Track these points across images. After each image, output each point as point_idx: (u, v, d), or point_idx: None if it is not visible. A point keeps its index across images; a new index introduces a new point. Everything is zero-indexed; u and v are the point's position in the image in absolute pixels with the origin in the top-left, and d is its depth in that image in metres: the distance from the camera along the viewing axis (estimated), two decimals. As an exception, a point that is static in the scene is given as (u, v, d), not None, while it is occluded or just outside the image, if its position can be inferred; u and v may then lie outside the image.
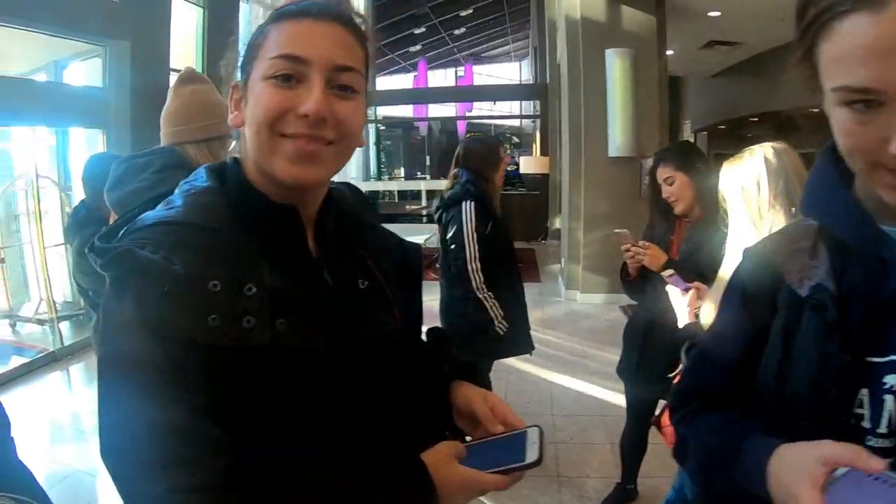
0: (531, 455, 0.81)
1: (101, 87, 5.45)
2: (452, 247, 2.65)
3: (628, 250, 2.30)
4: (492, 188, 2.75)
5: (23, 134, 5.74)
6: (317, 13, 0.77)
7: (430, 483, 0.78)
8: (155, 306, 0.68)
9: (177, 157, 1.71)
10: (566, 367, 4.60)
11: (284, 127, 0.74)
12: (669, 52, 6.71)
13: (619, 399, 2.94)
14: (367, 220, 0.97)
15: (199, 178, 0.82)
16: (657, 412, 2.22)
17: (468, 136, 6.47)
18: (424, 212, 11.56)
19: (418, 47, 18.02)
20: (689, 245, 2.23)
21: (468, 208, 2.64)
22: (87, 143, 5.77)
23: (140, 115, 4.92)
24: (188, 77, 1.82)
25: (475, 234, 2.61)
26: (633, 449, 2.73)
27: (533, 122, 15.34)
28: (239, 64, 0.82)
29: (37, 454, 3.35)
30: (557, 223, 9.36)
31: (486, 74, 20.98)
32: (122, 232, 0.75)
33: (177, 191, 0.81)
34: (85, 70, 5.79)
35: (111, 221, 1.68)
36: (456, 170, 2.79)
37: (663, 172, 2.29)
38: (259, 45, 0.78)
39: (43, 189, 5.45)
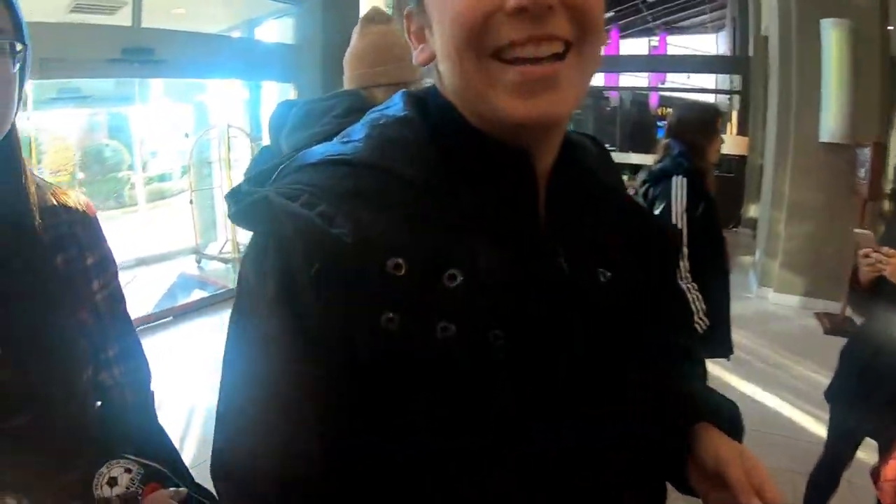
0: None
1: (293, 43, 5.69)
2: None
3: (867, 256, 1.86)
4: (706, 164, 2.38)
5: (218, 87, 6.18)
6: None
7: None
8: (297, 289, 0.46)
9: (362, 100, 1.53)
10: (755, 376, 4.08)
11: (496, 39, 0.48)
12: (890, 28, 5.67)
13: (811, 422, 2.65)
14: (612, 184, 0.69)
15: (394, 104, 0.58)
16: (878, 462, 1.83)
17: (679, 103, 5.84)
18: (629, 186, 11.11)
19: (611, 14, 17.31)
20: None
21: (679, 184, 2.28)
22: (278, 97, 6.09)
23: (330, 69, 5.06)
24: (374, 17, 1.66)
25: (686, 215, 2.27)
26: (823, 486, 2.34)
27: (728, 98, 14.05)
28: None
29: (201, 386, 3.55)
30: (753, 211, 8.47)
31: (680, 46, 19.79)
32: (278, 172, 0.54)
33: (361, 120, 0.58)
34: (277, 27, 6.09)
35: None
36: (667, 140, 2.45)
37: None
38: None
39: (234, 138, 5.85)
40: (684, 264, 2.24)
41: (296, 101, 2.40)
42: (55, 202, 0.85)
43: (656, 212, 2.30)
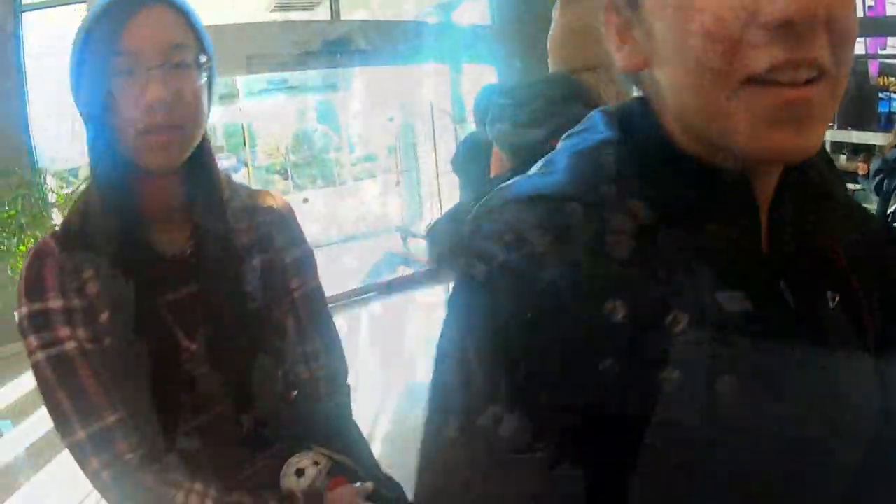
0: None
1: (489, 24, 5.72)
2: None
3: None
4: None
5: (419, 71, 6.45)
6: None
7: None
8: (508, 335, 0.43)
9: (571, 86, 1.41)
10: None
11: (751, 60, 0.39)
12: None
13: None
14: (837, 191, 0.58)
15: (593, 125, 0.52)
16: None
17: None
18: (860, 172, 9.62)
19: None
20: None
21: None
22: (478, 78, 6.19)
23: (529, 49, 5.01)
24: None
25: None
26: None
27: None
28: None
29: (401, 364, 3.73)
30: None
31: None
32: (477, 207, 0.50)
33: (559, 145, 0.53)
34: (474, 9, 6.16)
35: (493, 160, 1.60)
36: None
37: None
38: None
39: (438, 121, 6.07)
40: None
41: (499, 85, 2.36)
42: (251, 204, 0.90)
43: (892, 208, 1.90)
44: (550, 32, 1.57)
